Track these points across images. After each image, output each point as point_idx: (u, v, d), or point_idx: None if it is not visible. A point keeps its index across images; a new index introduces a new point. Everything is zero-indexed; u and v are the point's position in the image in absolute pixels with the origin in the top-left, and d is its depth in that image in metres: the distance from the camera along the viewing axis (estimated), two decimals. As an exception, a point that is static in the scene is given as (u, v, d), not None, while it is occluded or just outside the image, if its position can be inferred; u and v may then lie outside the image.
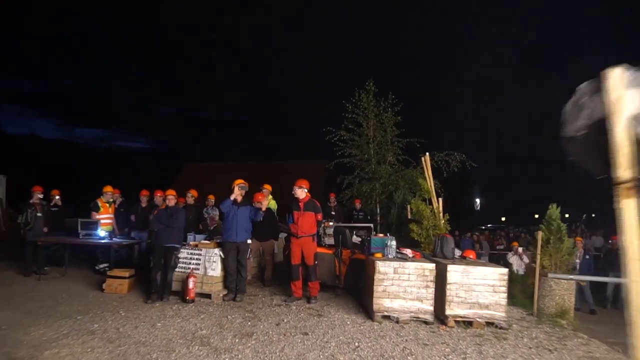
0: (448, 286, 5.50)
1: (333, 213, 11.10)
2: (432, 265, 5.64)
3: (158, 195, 8.92)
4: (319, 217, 6.73)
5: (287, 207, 6.85)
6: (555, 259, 6.55)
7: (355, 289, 7.08)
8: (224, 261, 6.72)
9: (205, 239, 7.34)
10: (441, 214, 8.46)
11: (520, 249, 10.96)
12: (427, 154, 8.66)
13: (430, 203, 8.53)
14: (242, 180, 6.81)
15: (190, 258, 6.84)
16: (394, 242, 6.02)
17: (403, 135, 13.38)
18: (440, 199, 8.56)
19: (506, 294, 5.51)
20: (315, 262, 6.67)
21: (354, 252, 7.36)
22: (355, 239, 8.23)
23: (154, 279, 6.55)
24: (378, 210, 13.25)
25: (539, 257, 6.47)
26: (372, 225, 10.44)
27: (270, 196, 9.36)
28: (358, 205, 11.69)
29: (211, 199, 10.34)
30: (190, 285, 6.40)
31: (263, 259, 8.22)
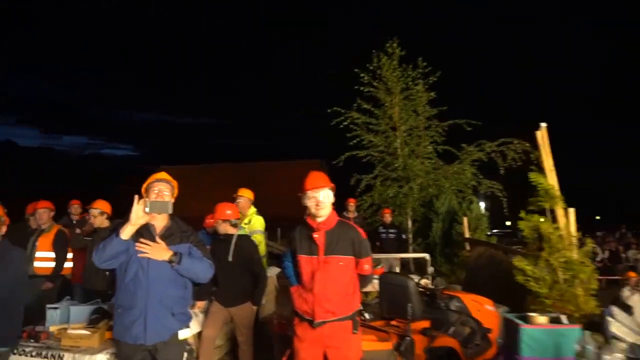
0: None
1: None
2: None
3: None
4: (367, 267, 2.62)
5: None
6: None
7: None
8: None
9: (94, 315, 3.17)
10: (574, 239, 4.45)
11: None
12: (544, 125, 4.65)
13: (553, 218, 4.51)
14: (162, 175, 2.64)
15: (35, 378, 2.69)
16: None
17: (442, 116, 9.41)
18: (572, 210, 4.53)
19: None
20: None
21: (432, 336, 3.26)
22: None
23: None
24: (410, 223, 9.20)
25: None
26: (427, 255, 6.28)
27: (254, 209, 5.14)
28: (388, 217, 7.58)
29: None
30: None
31: (236, 331, 4.08)
